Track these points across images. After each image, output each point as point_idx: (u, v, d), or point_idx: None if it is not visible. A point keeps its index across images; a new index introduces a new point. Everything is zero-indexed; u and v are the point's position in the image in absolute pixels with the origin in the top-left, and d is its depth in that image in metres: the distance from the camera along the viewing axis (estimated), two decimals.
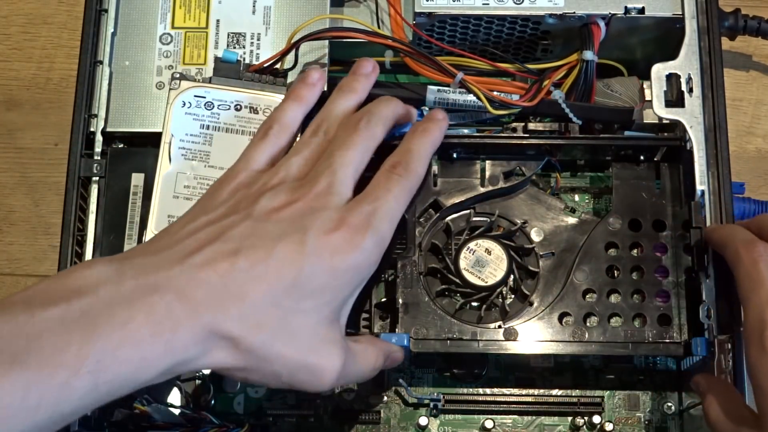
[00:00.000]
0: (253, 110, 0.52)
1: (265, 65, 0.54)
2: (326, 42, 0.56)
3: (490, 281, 0.53)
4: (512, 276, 0.54)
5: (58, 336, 0.37)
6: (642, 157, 0.55)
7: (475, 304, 0.54)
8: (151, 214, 0.51)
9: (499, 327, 0.52)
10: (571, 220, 0.55)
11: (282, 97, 0.53)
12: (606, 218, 0.54)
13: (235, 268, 0.41)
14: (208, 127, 0.52)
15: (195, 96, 0.53)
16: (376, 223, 0.45)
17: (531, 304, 0.53)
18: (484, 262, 0.53)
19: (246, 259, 0.41)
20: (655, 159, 0.55)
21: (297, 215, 0.44)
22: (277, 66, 0.54)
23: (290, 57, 0.54)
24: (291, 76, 0.55)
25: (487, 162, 0.55)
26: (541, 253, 0.54)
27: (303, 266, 0.42)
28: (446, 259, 0.54)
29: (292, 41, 0.54)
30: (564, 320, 0.52)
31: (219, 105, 0.52)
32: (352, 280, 0.45)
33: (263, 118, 0.52)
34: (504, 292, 0.54)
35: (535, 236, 0.55)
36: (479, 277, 0.53)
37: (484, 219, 0.55)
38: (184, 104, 0.52)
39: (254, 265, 0.41)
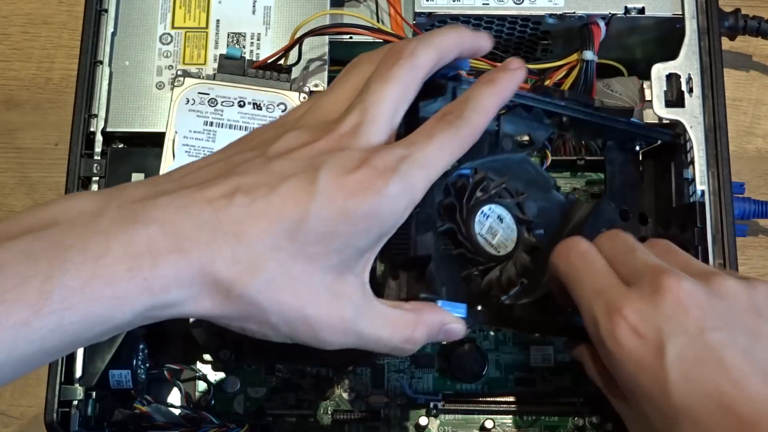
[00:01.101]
0: (257, 106, 0.52)
1: (269, 61, 0.54)
2: (327, 41, 0.56)
3: (502, 252, 0.47)
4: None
5: (20, 267, 0.33)
6: (637, 147, 0.54)
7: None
8: None
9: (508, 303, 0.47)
10: (562, 200, 0.51)
11: (286, 93, 0.53)
12: (598, 203, 0.51)
13: (233, 203, 0.36)
14: (211, 124, 0.52)
15: (199, 93, 0.53)
16: (405, 168, 0.38)
17: (522, 283, 0.48)
18: (496, 230, 0.47)
19: (246, 195, 0.36)
20: (641, 149, 0.54)
21: (315, 154, 0.38)
22: (281, 62, 0.54)
23: (293, 53, 0.54)
24: (294, 72, 0.55)
25: (503, 123, 0.49)
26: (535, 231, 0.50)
27: (309, 206, 0.37)
28: (459, 221, 0.46)
29: (296, 37, 0.54)
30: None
31: (223, 102, 0.52)
32: (370, 230, 0.38)
33: (266, 114, 0.52)
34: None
35: (529, 211, 0.50)
36: (492, 245, 0.47)
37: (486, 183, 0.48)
38: (188, 101, 0.52)
39: (254, 200, 0.36)
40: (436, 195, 0.44)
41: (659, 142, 0.54)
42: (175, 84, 0.53)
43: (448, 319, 0.42)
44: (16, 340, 0.32)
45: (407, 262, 0.44)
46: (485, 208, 0.47)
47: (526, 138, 0.50)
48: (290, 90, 0.53)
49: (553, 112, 0.50)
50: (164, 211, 0.35)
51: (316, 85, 0.55)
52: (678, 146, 0.54)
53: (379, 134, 0.39)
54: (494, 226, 0.47)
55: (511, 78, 0.43)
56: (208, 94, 0.53)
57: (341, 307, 0.39)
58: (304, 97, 0.53)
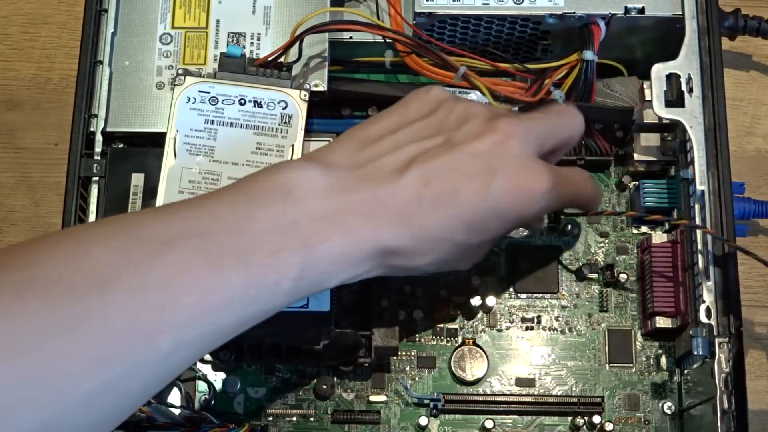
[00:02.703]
0: (258, 104, 0.52)
1: (269, 59, 0.54)
2: (327, 39, 0.56)
3: None
4: None
5: (275, 240, 0.41)
6: None
7: None
8: None
9: None
10: None
11: (286, 90, 0.53)
12: None
13: (422, 198, 0.44)
14: (212, 122, 0.52)
15: (200, 91, 0.53)
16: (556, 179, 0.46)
17: None
18: None
19: (434, 192, 0.44)
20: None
21: (491, 154, 0.46)
22: (281, 60, 0.54)
23: (294, 51, 0.54)
24: (295, 70, 0.55)
25: None
26: None
27: (481, 211, 0.45)
28: None
29: (296, 34, 0.54)
30: None
31: (223, 100, 0.52)
32: (514, 225, 0.48)
33: (267, 112, 0.52)
34: None
35: None
36: None
37: None
38: (189, 100, 0.52)
39: (439, 198, 0.44)
40: None
41: None
42: (176, 83, 0.53)
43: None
44: (269, 296, 0.41)
45: None
46: None
47: None
48: (291, 88, 0.53)
49: None
50: (370, 204, 0.43)
51: (316, 85, 0.55)
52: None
53: (532, 147, 0.47)
54: None
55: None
56: (208, 92, 0.53)
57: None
58: (305, 95, 0.53)
